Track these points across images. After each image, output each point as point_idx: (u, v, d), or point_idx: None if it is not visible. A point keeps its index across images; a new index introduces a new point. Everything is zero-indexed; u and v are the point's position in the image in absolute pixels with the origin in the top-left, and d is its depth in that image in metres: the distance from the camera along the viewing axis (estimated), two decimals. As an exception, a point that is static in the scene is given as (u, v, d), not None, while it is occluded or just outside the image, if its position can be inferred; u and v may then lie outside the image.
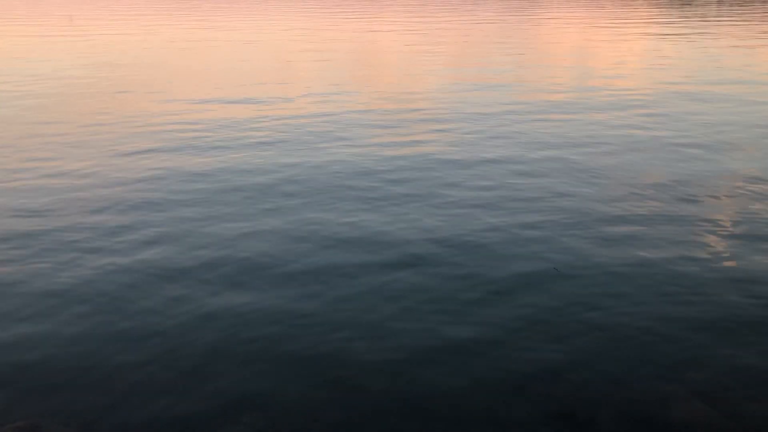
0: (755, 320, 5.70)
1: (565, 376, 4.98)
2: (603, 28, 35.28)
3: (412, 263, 6.73)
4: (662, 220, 7.89)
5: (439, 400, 4.74)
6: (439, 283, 6.34)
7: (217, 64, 22.29)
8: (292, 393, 4.82)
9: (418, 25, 38.19)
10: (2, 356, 5.30)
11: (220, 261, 6.87)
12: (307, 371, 5.06)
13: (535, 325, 5.65)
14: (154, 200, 8.68)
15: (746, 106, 14.48)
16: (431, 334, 5.53)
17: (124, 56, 23.97)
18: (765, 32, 31.93)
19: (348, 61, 23.35)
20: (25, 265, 6.79)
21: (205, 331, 5.58)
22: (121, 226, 7.83)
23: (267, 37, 32.35)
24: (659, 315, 5.77)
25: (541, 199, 8.55)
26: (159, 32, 34.40)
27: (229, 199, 8.65)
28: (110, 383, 4.95)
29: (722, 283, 6.33)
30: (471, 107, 14.42)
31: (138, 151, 11.10)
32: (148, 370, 5.09)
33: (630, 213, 8.07)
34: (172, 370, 5.08)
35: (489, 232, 7.54)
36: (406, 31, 34.91)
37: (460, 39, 31.08)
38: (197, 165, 10.20)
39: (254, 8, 56.22)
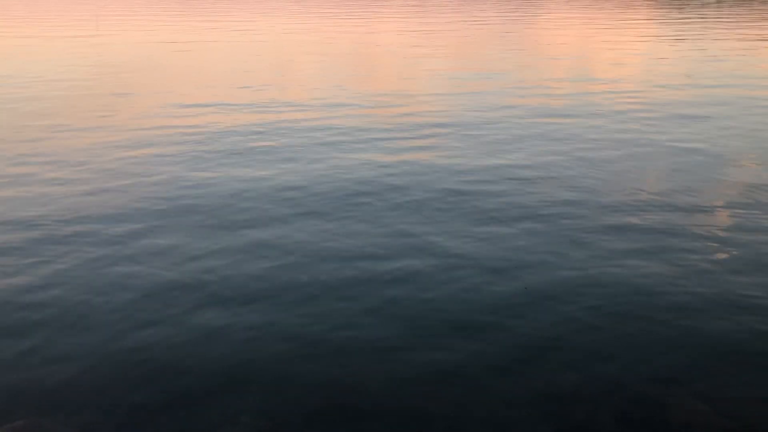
0: (755, 320, 5.71)
1: (566, 375, 4.99)
2: (603, 29, 35.25)
3: (409, 278, 6.51)
4: (662, 223, 7.91)
5: (430, 386, 4.75)
6: (438, 295, 6.21)
7: (216, 65, 22.29)
8: (292, 394, 4.82)
9: (418, 26, 38.16)
10: (2, 356, 5.31)
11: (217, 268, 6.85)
12: (308, 374, 5.06)
13: (536, 322, 5.65)
14: (152, 208, 8.65)
15: (746, 108, 14.45)
16: (431, 342, 5.53)
17: (123, 57, 23.97)
18: (765, 32, 31.91)
19: (348, 62, 23.35)
20: (17, 274, 6.72)
21: (206, 335, 5.58)
22: (122, 234, 7.80)
23: (267, 38, 32.31)
24: (660, 314, 5.78)
25: (535, 208, 8.33)
26: (157, 33, 34.38)
27: (225, 211, 8.35)
28: (110, 383, 4.95)
29: (723, 282, 6.34)
30: (470, 112, 14.20)
31: (135, 155, 11.09)
32: (149, 370, 5.09)
33: (628, 222, 7.93)
34: (172, 371, 5.08)
35: (485, 242, 7.53)
36: (406, 31, 34.89)
37: (460, 40, 31.07)
38: (194, 174, 9.90)
39: (261, 8, 56.15)
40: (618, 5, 56.90)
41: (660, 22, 39.58)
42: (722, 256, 6.96)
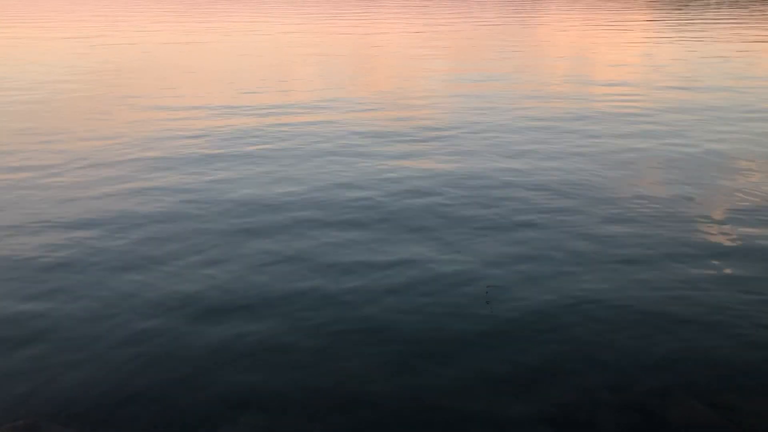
0: (755, 321, 5.74)
1: (565, 375, 5.00)
2: (603, 31, 35.28)
3: (408, 288, 6.43)
4: (661, 226, 7.95)
5: (435, 397, 4.76)
6: (438, 300, 6.20)
7: (216, 66, 22.31)
8: (292, 393, 4.83)
9: (419, 26, 38.17)
10: (2, 356, 5.33)
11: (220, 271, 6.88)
12: (308, 372, 5.08)
13: (535, 325, 5.68)
14: (147, 214, 8.65)
15: (747, 112, 14.44)
16: (433, 342, 5.56)
17: (123, 58, 23.98)
18: (765, 33, 31.92)
19: (348, 63, 23.36)
20: (18, 281, 6.68)
21: (206, 333, 5.62)
22: (124, 241, 7.79)
23: (266, 38, 32.33)
24: (659, 315, 5.80)
25: (539, 216, 8.27)
26: (157, 34, 34.40)
27: (221, 218, 8.29)
28: (110, 383, 4.97)
29: (725, 292, 6.39)
30: (469, 117, 14.05)
31: (136, 158, 11.10)
32: (148, 369, 5.11)
33: (627, 231, 7.81)
34: (172, 371, 5.09)
35: (483, 248, 7.52)
36: (406, 32, 34.91)
37: (460, 41, 31.07)
38: (188, 180, 9.80)
39: (261, 8, 56.18)
40: (617, 5, 56.94)
41: (660, 23, 39.57)
42: (724, 266, 6.92)
